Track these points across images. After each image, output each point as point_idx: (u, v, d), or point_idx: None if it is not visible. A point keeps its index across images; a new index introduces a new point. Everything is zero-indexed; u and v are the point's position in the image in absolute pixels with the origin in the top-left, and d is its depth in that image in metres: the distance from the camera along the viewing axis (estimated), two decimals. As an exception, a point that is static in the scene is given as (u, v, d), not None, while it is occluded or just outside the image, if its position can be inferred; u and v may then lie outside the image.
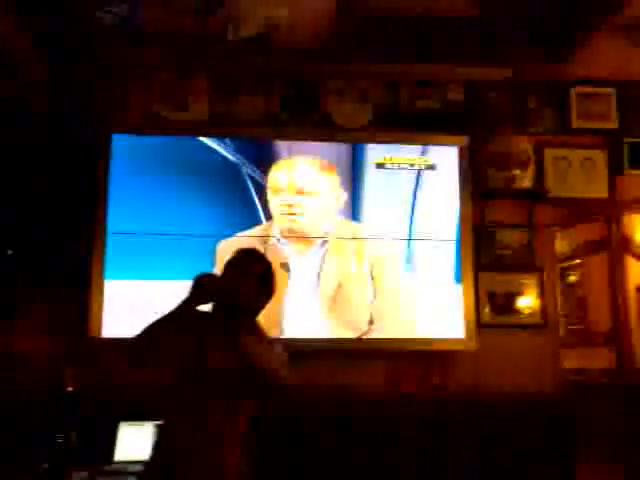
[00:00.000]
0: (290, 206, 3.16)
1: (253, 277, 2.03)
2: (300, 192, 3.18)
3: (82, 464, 2.64)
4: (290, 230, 3.16)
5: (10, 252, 3.00)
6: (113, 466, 2.68)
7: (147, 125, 3.23)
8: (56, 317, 3.00)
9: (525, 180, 3.35)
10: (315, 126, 3.32)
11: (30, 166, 3.05)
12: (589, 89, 3.48)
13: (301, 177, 3.20)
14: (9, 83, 3.04)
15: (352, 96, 3.36)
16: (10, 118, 3.03)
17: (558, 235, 3.67)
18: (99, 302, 3.01)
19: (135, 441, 2.76)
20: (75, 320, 2.99)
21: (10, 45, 2.94)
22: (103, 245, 3.05)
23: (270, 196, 3.17)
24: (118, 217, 3.08)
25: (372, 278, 3.16)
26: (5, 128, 3.02)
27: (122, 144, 3.13)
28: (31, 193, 3.04)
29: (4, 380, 2.89)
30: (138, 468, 2.59)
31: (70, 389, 2.88)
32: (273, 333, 3.03)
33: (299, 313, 3.09)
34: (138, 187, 3.11)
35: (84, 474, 2.59)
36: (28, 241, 3.01)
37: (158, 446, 1.94)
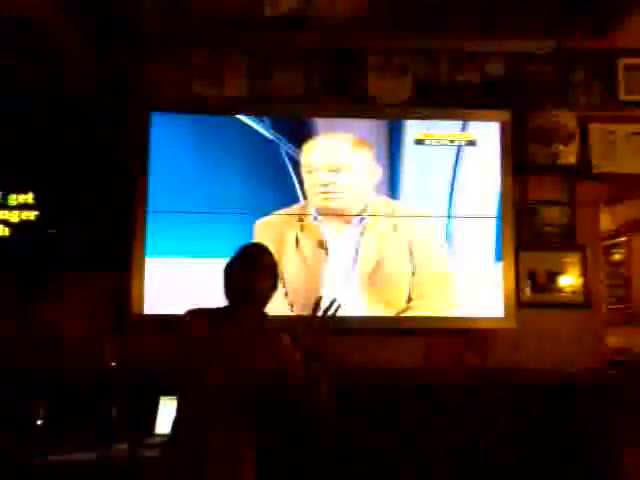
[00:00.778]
0: (324, 184, 3.14)
1: (267, 272, 2.05)
2: (333, 169, 3.16)
3: (125, 436, 2.70)
4: (326, 208, 3.15)
5: (53, 231, 3.06)
6: (153, 438, 2.75)
7: (185, 103, 3.23)
8: (100, 295, 3.07)
9: (569, 155, 3.26)
10: (353, 102, 3.28)
11: (71, 146, 3.09)
12: (638, 60, 3.35)
13: (333, 154, 3.17)
14: (45, 63, 3.09)
15: (391, 71, 3.30)
16: (49, 99, 3.09)
17: (602, 212, 3.56)
18: (140, 280, 3.06)
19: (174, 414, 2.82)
20: (118, 298, 3.05)
21: (46, 24, 2.98)
22: (144, 224, 3.09)
23: (305, 174, 3.16)
24: (157, 196, 3.11)
25: (411, 256, 3.13)
26: (43, 109, 3.07)
27: (160, 123, 3.14)
28: (72, 174, 3.08)
29: (51, 356, 2.98)
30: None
31: (113, 364, 2.94)
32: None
33: (336, 291, 3.09)
34: (176, 166, 3.13)
35: (125, 446, 2.65)
36: (71, 221, 3.07)
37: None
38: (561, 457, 3.04)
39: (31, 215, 3.06)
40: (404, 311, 3.11)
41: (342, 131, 3.20)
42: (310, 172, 3.16)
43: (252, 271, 2.02)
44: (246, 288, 2.01)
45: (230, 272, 2.06)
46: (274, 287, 2.08)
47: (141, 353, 2.94)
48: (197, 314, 2.06)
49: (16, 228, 3.05)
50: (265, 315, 2.08)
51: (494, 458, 3.01)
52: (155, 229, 3.09)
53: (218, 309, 2.07)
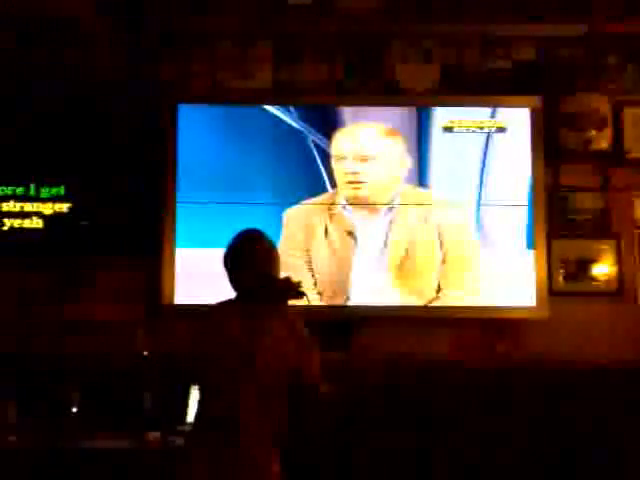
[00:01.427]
0: (354, 174, 3.13)
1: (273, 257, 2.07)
2: (363, 159, 3.14)
3: (157, 424, 2.73)
4: (355, 198, 3.13)
5: (84, 223, 3.10)
6: (186, 427, 2.77)
7: (212, 94, 3.25)
8: (132, 286, 3.12)
9: (602, 141, 3.19)
10: (380, 90, 3.26)
11: (101, 138, 3.13)
12: (672, 43, 3.27)
13: (363, 144, 3.15)
14: (78, 56, 3.13)
15: (417, 58, 3.27)
16: (81, 92, 3.13)
17: (637, 199, 3.48)
18: (171, 270, 3.08)
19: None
20: (150, 288, 3.09)
21: (75, 14, 3.01)
22: (173, 214, 3.11)
23: (334, 164, 3.14)
24: (186, 186, 3.13)
25: (440, 245, 3.11)
26: (75, 102, 3.11)
27: (188, 114, 3.16)
28: (103, 166, 3.12)
29: (85, 343, 3.04)
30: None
31: (145, 354, 2.98)
32: (339, 300, 3.07)
33: (366, 280, 3.08)
34: (204, 156, 3.14)
35: (157, 434, 2.69)
36: (102, 211, 3.10)
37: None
38: (592, 448, 2.99)
39: (63, 207, 3.11)
40: (433, 300, 3.08)
41: (369, 120, 3.18)
42: (339, 161, 3.15)
43: (243, 270, 2.04)
44: (245, 287, 2.04)
45: (226, 268, 2.08)
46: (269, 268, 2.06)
47: (173, 340, 2.98)
48: (215, 308, 2.10)
49: (49, 220, 3.10)
50: (280, 299, 2.05)
51: (525, 449, 2.98)
52: (185, 220, 3.11)
53: (231, 301, 2.09)
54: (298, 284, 2.05)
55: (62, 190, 3.11)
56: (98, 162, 3.12)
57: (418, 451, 2.98)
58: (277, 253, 2.11)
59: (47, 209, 3.10)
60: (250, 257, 2.05)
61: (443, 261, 3.10)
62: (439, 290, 3.09)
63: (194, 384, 2.14)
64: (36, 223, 3.09)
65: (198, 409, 2.03)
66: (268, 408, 1.94)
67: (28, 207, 3.09)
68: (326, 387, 2.05)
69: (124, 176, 3.11)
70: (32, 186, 3.10)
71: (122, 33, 3.18)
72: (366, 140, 3.16)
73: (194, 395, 2.87)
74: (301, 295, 2.06)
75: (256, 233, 2.11)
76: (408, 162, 3.15)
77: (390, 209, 3.14)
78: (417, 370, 3.01)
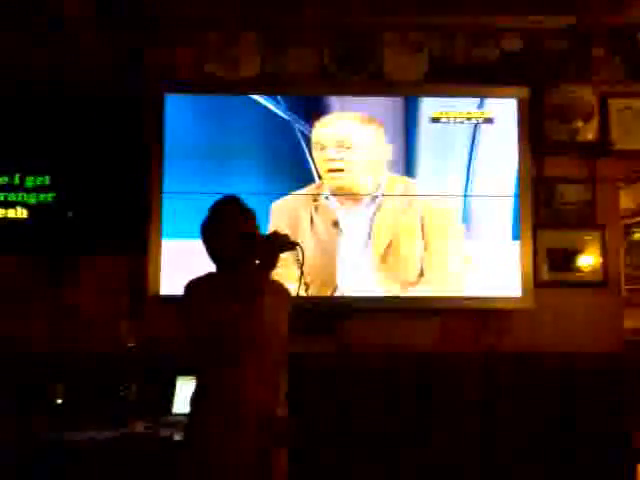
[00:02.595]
0: (332, 161, 3.11)
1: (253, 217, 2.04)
2: (341, 146, 3.13)
3: (142, 416, 2.72)
4: (338, 188, 3.13)
5: (70, 214, 3.07)
6: (170, 418, 2.77)
7: (199, 84, 3.22)
8: (117, 277, 3.10)
9: (588, 132, 3.20)
10: (368, 80, 3.24)
11: (86, 129, 3.10)
12: (659, 35, 3.28)
13: (342, 132, 3.14)
14: (61, 46, 3.10)
15: (406, 48, 3.25)
16: (64, 82, 3.09)
17: (622, 191, 3.50)
18: (157, 261, 3.07)
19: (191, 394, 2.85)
20: (135, 279, 3.07)
21: (62, 8, 2.98)
22: (160, 205, 3.09)
23: (314, 153, 3.13)
24: (172, 177, 3.11)
25: (425, 234, 3.11)
26: (59, 93, 3.08)
27: (175, 104, 3.13)
28: (88, 156, 3.09)
29: (70, 336, 3.02)
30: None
31: (131, 344, 2.96)
32: (327, 291, 3.06)
33: (351, 270, 3.08)
34: (191, 146, 3.12)
35: (144, 425, 2.68)
36: (87, 203, 3.08)
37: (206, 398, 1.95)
38: (576, 439, 3.02)
39: (48, 197, 3.08)
40: (416, 284, 3.08)
41: (357, 109, 3.16)
42: (320, 149, 3.14)
43: (226, 233, 1.98)
44: (225, 255, 1.99)
45: (207, 238, 2.03)
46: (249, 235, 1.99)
47: (158, 334, 2.97)
48: (197, 283, 2.02)
49: (33, 210, 3.07)
50: (269, 265, 1.96)
51: (508, 438, 3.01)
52: (171, 211, 3.09)
53: (214, 274, 2.03)
54: (287, 236, 1.98)
55: (47, 180, 3.08)
56: (83, 152, 3.08)
57: (398, 443, 3.00)
58: (255, 215, 2.06)
59: (31, 199, 3.07)
60: (231, 219, 2.00)
61: (427, 250, 3.10)
62: (422, 275, 3.08)
63: (192, 367, 2.01)
64: (20, 213, 3.07)
65: (198, 394, 1.98)
66: (274, 385, 1.93)
67: (12, 197, 3.06)
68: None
69: (110, 165, 3.08)
70: (17, 176, 3.07)
71: (108, 24, 3.14)
72: (345, 128, 3.14)
73: (179, 386, 2.87)
74: (294, 245, 1.98)
75: (231, 197, 2.08)
76: (389, 151, 3.14)
77: (373, 198, 3.13)
78: (403, 360, 3.02)
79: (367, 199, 3.13)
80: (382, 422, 2.99)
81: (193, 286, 2.01)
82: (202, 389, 1.97)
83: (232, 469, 1.87)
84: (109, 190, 3.07)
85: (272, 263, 1.94)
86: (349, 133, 3.14)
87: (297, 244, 1.98)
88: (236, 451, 1.87)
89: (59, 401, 2.87)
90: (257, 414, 1.89)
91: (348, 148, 3.13)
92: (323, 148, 3.13)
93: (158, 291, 3.05)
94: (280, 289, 2.09)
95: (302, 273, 2.03)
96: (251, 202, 2.99)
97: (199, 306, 1.95)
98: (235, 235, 1.97)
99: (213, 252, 2.03)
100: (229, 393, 1.90)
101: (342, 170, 3.12)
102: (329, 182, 3.13)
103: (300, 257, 1.98)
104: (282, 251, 1.96)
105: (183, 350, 2.04)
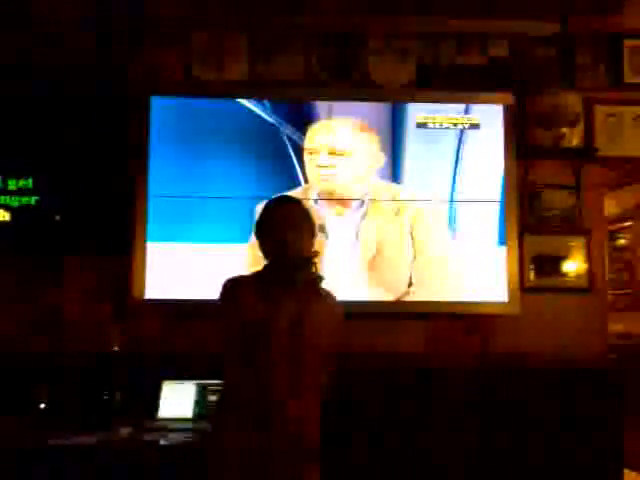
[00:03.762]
0: (324, 167, 3.12)
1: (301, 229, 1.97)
2: (333, 152, 3.13)
3: (127, 420, 2.70)
4: (326, 192, 3.12)
5: (58, 218, 3.05)
6: (156, 423, 2.75)
7: (185, 87, 3.21)
8: (101, 279, 3.08)
9: (573, 138, 3.22)
10: (355, 85, 3.25)
11: (70, 131, 3.07)
12: (643, 41, 3.30)
13: (335, 137, 3.14)
14: (44, 48, 3.08)
15: (392, 54, 3.26)
16: (48, 83, 3.07)
17: (607, 196, 3.53)
18: (142, 264, 3.05)
19: (177, 399, 2.84)
20: (119, 282, 3.04)
21: (45, 9, 2.96)
22: (144, 208, 3.07)
23: (306, 157, 3.13)
24: (157, 180, 3.09)
25: (412, 240, 3.11)
26: (42, 94, 3.05)
27: (161, 106, 3.12)
28: (72, 159, 3.06)
29: (53, 340, 3.00)
30: (180, 425, 2.69)
31: (116, 349, 2.94)
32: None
33: (338, 276, 3.07)
34: (176, 150, 3.11)
35: (128, 430, 2.65)
36: (71, 205, 3.05)
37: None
38: (562, 441, 3.03)
39: (31, 200, 3.05)
40: (404, 295, 3.09)
41: (344, 115, 3.17)
42: (311, 154, 3.13)
43: (286, 232, 1.93)
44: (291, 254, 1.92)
45: (263, 234, 1.99)
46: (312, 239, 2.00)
47: (143, 337, 2.95)
48: (240, 282, 1.98)
49: (16, 213, 3.04)
50: (319, 277, 1.98)
51: (495, 443, 3.01)
52: (156, 214, 3.07)
53: (263, 273, 1.99)
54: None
55: (30, 183, 3.05)
56: (66, 153, 3.05)
57: (388, 446, 2.99)
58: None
59: (14, 202, 3.04)
60: (312, 222, 2.00)
61: (414, 257, 3.11)
62: (410, 285, 3.09)
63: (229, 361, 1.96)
64: (2, 216, 3.04)
65: (232, 391, 1.94)
66: (300, 392, 1.89)
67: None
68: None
69: (94, 166, 3.05)
70: (-1, 178, 3.04)
71: (93, 26, 3.12)
72: (337, 134, 3.15)
73: (165, 391, 2.86)
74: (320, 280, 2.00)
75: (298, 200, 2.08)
76: (382, 159, 3.15)
77: (361, 204, 3.13)
78: (388, 365, 3.02)
79: (355, 204, 3.14)
80: (371, 429, 2.98)
81: (235, 285, 1.98)
82: (230, 388, 1.95)
83: (256, 469, 1.84)
84: (93, 192, 3.04)
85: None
86: (344, 139, 3.14)
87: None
88: (262, 453, 1.83)
89: (42, 405, 2.84)
90: (285, 418, 1.85)
91: (342, 154, 3.13)
92: (315, 152, 3.13)
93: (143, 295, 3.03)
94: (331, 303, 2.03)
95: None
96: (236, 206, 3.06)
97: (245, 304, 1.91)
98: (312, 239, 1.98)
99: (282, 247, 1.93)
100: (257, 392, 1.86)
101: (334, 175, 3.12)
102: (316, 186, 3.13)
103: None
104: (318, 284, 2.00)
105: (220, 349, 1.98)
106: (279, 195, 2.15)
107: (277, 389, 1.86)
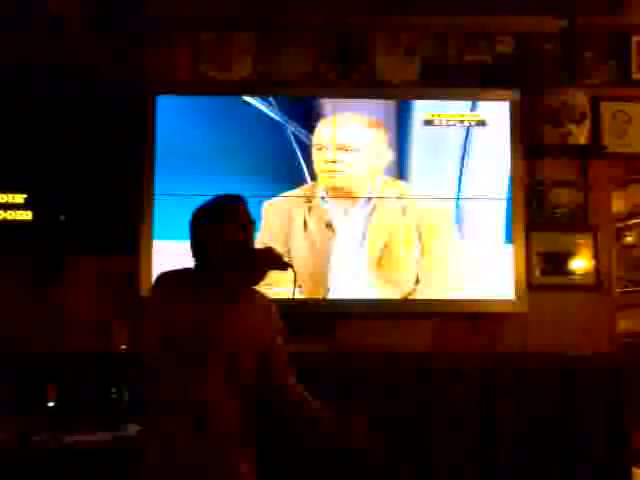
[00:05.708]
0: (331, 162, 3.11)
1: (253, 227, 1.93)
2: (341, 148, 3.13)
3: (131, 416, 2.70)
4: (333, 188, 3.12)
5: (62, 218, 3.06)
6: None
7: (192, 86, 3.21)
8: (107, 278, 3.09)
9: (580, 136, 3.20)
10: (361, 82, 3.25)
11: (79, 131, 3.09)
12: (652, 38, 3.28)
13: (343, 133, 3.14)
14: (46, 48, 3.08)
15: (399, 51, 3.26)
16: (52, 84, 3.08)
17: (615, 194, 3.52)
18: (149, 263, 3.05)
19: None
20: (127, 281, 3.05)
21: (47, 8, 2.97)
22: (151, 207, 3.08)
23: (314, 154, 3.13)
24: (164, 178, 3.09)
25: (419, 237, 3.11)
26: (47, 93, 3.06)
27: (168, 105, 3.13)
28: (80, 159, 3.08)
29: (62, 339, 3.01)
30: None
31: (123, 347, 2.95)
32: (319, 293, 3.06)
33: (345, 273, 3.08)
34: (183, 148, 3.11)
35: (133, 426, 2.65)
36: (80, 206, 3.07)
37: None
38: (570, 441, 3.02)
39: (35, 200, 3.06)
40: (411, 293, 3.08)
41: (350, 112, 3.16)
42: (319, 150, 3.13)
43: (218, 235, 1.86)
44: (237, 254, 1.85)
45: (197, 231, 1.90)
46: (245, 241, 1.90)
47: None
48: (166, 280, 1.91)
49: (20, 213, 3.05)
50: (253, 278, 1.89)
51: (503, 442, 3.00)
52: (163, 212, 3.08)
53: (190, 272, 1.91)
54: (279, 256, 1.91)
55: (30, 183, 3.06)
56: (73, 151, 3.07)
57: (392, 445, 2.98)
58: (256, 226, 1.97)
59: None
60: (238, 221, 1.89)
61: (421, 253, 3.10)
62: (417, 282, 3.08)
63: (143, 369, 1.89)
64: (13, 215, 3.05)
65: (152, 397, 1.87)
66: (236, 392, 1.84)
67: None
68: (293, 379, 1.97)
69: (100, 165, 3.06)
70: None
71: (96, 25, 3.13)
72: (345, 130, 3.14)
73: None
74: (285, 266, 1.91)
75: (242, 199, 1.96)
76: (389, 154, 3.14)
77: (368, 201, 3.13)
78: (399, 364, 3.01)
79: (362, 201, 3.13)
80: (378, 427, 2.97)
81: (162, 281, 1.92)
82: (158, 390, 1.85)
83: (192, 470, 1.78)
84: (101, 190, 3.06)
85: (254, 277, 1.88)
86: (353, 135, 3.14)
87: (289, 265, 1.92)
88: (196, 452, 1.78)
89: (51, 403, 2.85)
90: (220, 418, 1.81)
91: (350, 150, 3.12)
92: (322, 149, 3.13)
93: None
94: (261, 301, 1.98)
95: (294, 292, 1.97)
96: (243, 204, 3.06)
97: (166, 304, 1.86)
98: (236, 240, 1.87)
99: (203, 248, 1.89)
100: (192, 392, 1.80)
101: (342, 171, 3.11)
102: (323, 182, 3.12)
103: (292, 278, 1.91)
104: (269, 269, 1.89)
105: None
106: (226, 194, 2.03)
107: (213, 389, 1.81)
